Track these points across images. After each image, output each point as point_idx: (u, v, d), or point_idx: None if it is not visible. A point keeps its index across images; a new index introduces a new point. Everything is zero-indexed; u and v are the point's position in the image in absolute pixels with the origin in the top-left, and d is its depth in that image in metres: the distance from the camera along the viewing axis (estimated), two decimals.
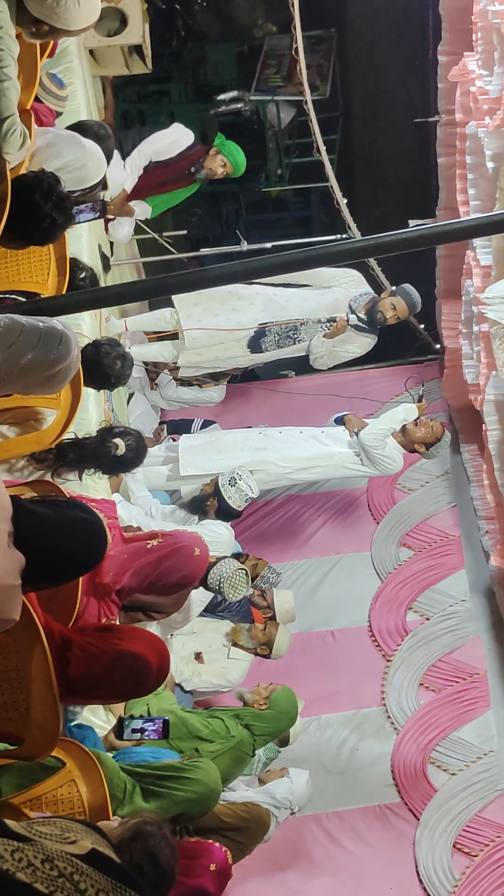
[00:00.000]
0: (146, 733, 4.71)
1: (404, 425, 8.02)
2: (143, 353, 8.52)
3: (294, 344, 8.58)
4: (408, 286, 8.54)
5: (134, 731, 4.70)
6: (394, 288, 8.72)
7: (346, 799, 7.66)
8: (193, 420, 8.85)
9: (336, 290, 8.64)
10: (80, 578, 4.04)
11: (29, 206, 4.53)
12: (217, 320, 8.44)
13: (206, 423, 8.81)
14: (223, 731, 5.97)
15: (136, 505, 7.22)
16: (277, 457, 7.98)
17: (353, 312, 8.49)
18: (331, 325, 8.48)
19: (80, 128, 5.79)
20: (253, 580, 7.39)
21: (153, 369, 8.95)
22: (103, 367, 5.57)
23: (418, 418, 8.06)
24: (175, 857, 3.08)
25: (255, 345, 8.50)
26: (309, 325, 8.50)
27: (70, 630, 3.69)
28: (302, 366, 9.58)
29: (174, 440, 8.38)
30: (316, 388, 9.65)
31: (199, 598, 6.61)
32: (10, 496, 2.97)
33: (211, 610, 7.12)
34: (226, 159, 8.45)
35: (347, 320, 8.45)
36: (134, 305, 9.18)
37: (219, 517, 7.31)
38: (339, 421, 8.25)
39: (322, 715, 8.00)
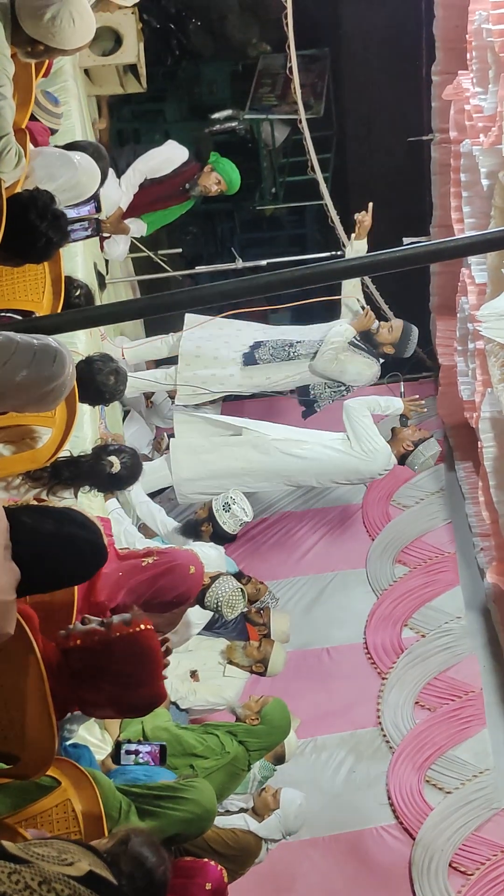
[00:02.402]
0: (140, 755, 4.69)
1: (394, 429, 8.00)
2: (137, 383, 8.42)
3: (289, 359, 8.33)
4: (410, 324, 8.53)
5: (128, 752, 4.69)
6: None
7: (342, 822, 7.63)
8: None
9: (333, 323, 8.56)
10: (76, 598, 4.03)
11: (24, 225, 4.53)
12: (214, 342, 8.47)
13: None
14: (218, 747, 5.95)
15: (136, 512, 7.23)
16: (269, 437, 7.98)
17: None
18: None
19: (75, 148, 5.80)
20: (252, 604, 7.42)
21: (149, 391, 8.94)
22: (97, 383, 5.58)
23: (404, 423, 8.03)
24: (165, 864, 3.06)
25: (249, 358, 8.39)
26: (305, 343, 8.40)
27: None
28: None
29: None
30: None
31: (197, 617, 6.60)
32: (6, 508, 2.97)
33: (207, 627, 7.10)
34: (220, 177, 8.46)
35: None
36: (129, 324, 9.19)
37: (213, 541, 7.31)
38: None
39: (318, 736, 7.99)
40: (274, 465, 8.09)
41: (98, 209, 5.77)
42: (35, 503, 3.58)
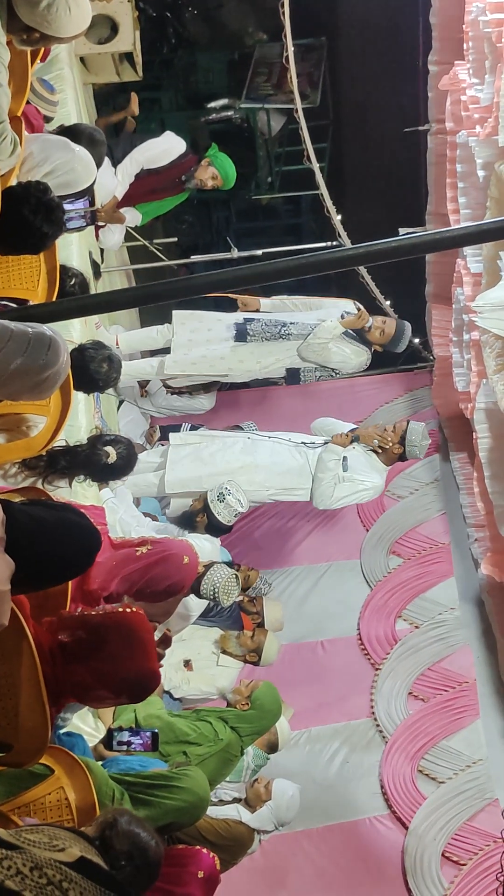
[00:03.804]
0: (133, 745, 4.70)
1: (379, 444, 7.97)
2: (130, 371, 8.40)
3: (280, 339, 8.29)
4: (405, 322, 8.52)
5: (120, 743, 4.70)
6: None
7: (336, 813, 7.64)
8: (182, 425, 8.81)
9: (327, 311, 8.55)
10: (70, 586, 4.03)
11: (18, 220, 4.53)
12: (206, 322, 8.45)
13: (195, 429, 8.77)
14: (211, 734, 5.95)
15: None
16: (263, 477, 7.95)
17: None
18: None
19: (74, 131, 5.78)
20: (244, 591, 7.41)
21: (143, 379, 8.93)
22: (90, 370, 5.57)
23: (388, 429, 7.99)
24: (155, 837, 3.09)
25: (241, 331, 8.33)
26: (298, 325, 8.38)
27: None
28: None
29: (162, 445, 8.36)
30: (305, 396, 9.65)
31: (194, 607, 6.60)
32: (2, 500, 2.97)
33: (201, 616, 7.11)
34: (217, 172, 8.42)
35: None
36: (124, 313, 9.17)
37: (209, 532, 7.30)
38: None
39: (312, 728, 7.98)
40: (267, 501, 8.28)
41: (91, 204, 5.75)
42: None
